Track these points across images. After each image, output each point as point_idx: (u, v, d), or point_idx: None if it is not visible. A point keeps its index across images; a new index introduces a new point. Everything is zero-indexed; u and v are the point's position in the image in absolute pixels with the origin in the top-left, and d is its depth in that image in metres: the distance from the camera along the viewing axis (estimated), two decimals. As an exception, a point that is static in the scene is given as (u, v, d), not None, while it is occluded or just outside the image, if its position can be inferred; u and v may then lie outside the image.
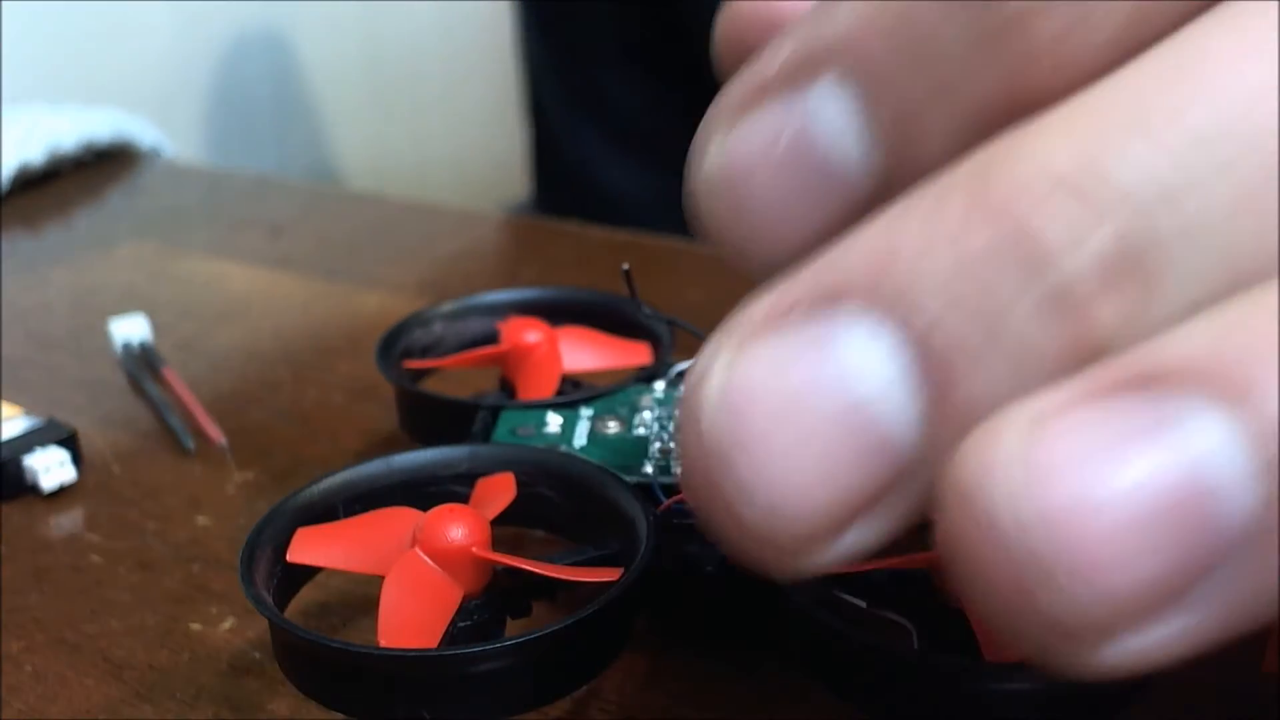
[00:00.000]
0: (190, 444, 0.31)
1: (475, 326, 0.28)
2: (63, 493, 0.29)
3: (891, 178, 0.13)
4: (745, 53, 0.22)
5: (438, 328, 0.28)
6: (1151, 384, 0.11)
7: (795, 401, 0.11)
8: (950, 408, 0.11)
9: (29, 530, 0.28)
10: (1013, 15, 0.12)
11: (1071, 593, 0.10)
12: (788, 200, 0.13)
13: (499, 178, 0.67)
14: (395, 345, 0.27)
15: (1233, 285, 0.11)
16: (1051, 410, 0.11)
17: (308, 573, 0.21)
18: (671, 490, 0.22)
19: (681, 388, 0.25)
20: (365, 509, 0.22)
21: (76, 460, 0.29)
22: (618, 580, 0.19)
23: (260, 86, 1.09)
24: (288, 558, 0.20)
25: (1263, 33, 0.11)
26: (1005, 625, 0.11)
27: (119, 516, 0.28)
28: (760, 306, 0.12)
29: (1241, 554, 0.10)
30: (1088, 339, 0.11)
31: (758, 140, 0.13)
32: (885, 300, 0.11)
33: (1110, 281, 0.11)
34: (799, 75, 0.13)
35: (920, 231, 0.12)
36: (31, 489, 0.29)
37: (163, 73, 0.97)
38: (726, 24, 0.24)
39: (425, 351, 0.27)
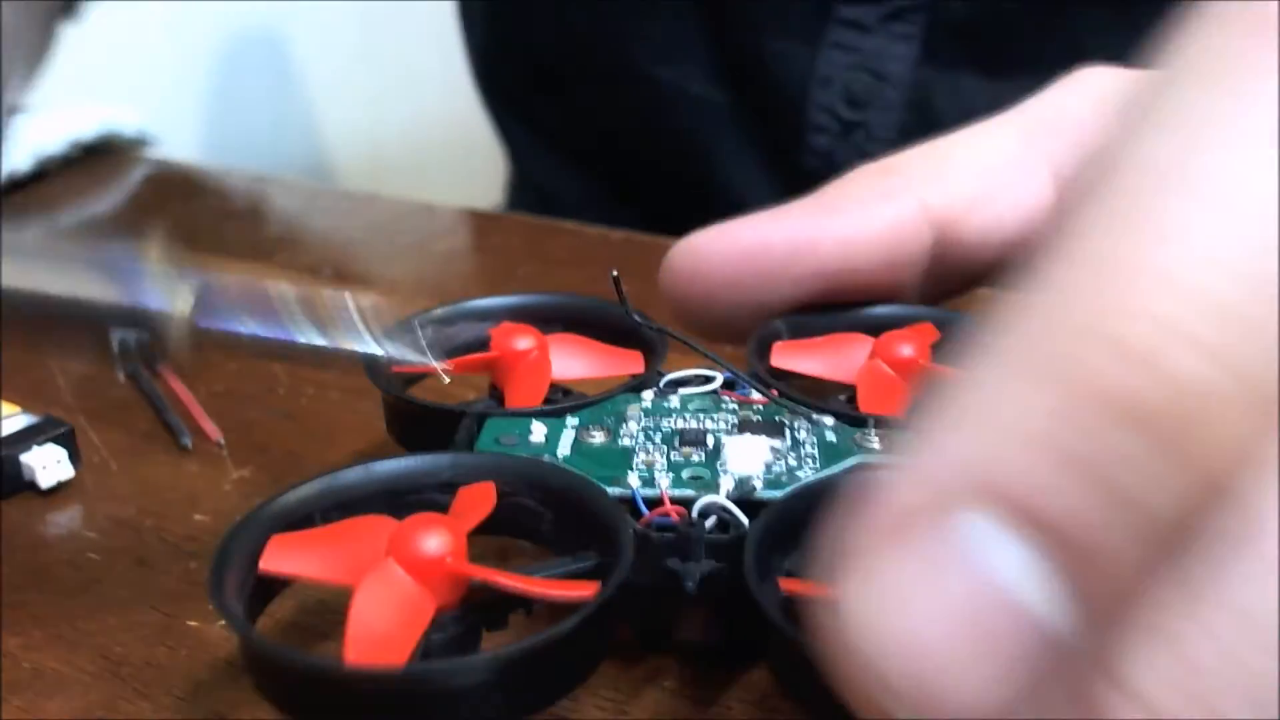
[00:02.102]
0: (187, 441, 0.31)
1: (466, 332, 0.28)
2: (60, 490, 0.29)
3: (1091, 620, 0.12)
4: (699, 288, 0.26)
5: (428, 333, 0.27)
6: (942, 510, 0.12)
7: (956, 616, 0.12)
8: (1095, 588, 0.12)
9: (27, 527, 0.27)
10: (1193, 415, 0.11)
11: (915, 706, 0.12)
12: (976, 673, 0.12)
13: (497, 177, 0.68)
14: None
15: None
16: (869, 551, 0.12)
17: (282, 581, 0.21)
18: (654, 503, 0.22)
19: (670, 396, 0.25)
20: (344, 517, 0.21)
21: (74, 457, 0.29)
22: (593, 596, 0.19)
23: (257, 86, 1.09)
24: (260, 566, 0.20)
25: None
26: None
27: (116, 514, 0.28)
28: (879, 516, 0.12)
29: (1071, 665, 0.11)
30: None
31: (925, 606, 0.12)
32: (1013, 496, 0.11)
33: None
34: (959, 518, 0.12)
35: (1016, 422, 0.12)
36: (30, 486, 0.28)
37: (160, 72, 0.98)
38: (678, 258, 0.27)
39: (416, 356, 0.27)
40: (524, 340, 0.26)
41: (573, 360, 0.26)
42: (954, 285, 0.29)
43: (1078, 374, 0.11)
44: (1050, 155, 0.28)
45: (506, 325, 0.27)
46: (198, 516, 0.28)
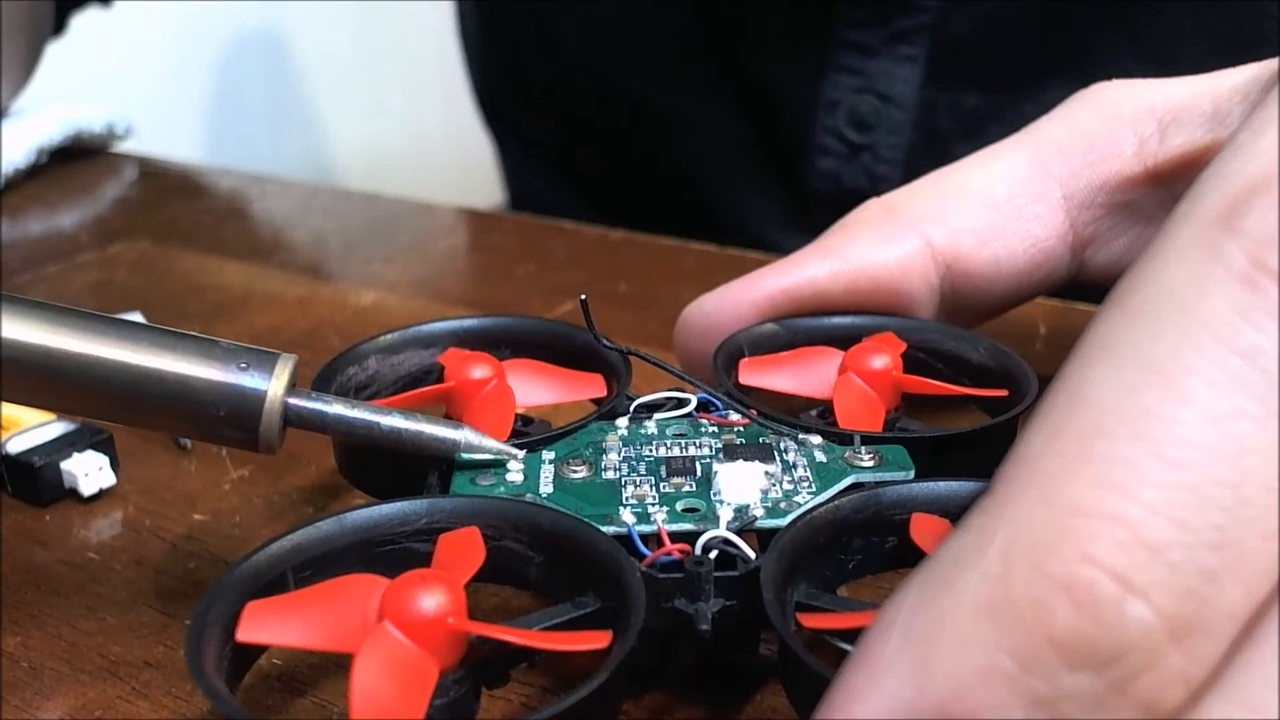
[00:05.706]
0: (186, 442, 0.30)
1: (412, 360, 0.26)
2: (102, 497, 0.28)
3: None
4: (712, 348, 0.25)
5: (372, 364, 0.25)
6: None
7: None
8: None
9: (24, 527, 0.27)
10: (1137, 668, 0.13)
11: None
12: None
13: (496, 177, 0.68)
14: (329, 385, 0.25)
15: None
16: None
17: (261, 647, 0.19)
18: (648, 538, 0.20)
19: (645, 421, 0.23)
20: (317, 574, 0.20)
21: (114, 464, 0.28)
22: (609, 646, 0.18)
23: (257, 86, 1.08)
24: (238, 637, 0.18)
25: None
26: None
27: (115, 513, 0.27)
28: None
29: None
30: None
31: None
32: None
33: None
34: None
35: None
36: (71, 493, 0.28)
37: (160, 72, 0.97)
38: (689, 320, 0.27)
39: (360, 390, 0.25)
40: (480, 368, 0.24)
41: (532, 387, 0.25)
42: (972, 317, 0.28)
43: (1033, 617, 0.13)
44: (1061, 178, 0.27)
45: (457, 353, 0.25)
46: (197, 516, 0.27)
